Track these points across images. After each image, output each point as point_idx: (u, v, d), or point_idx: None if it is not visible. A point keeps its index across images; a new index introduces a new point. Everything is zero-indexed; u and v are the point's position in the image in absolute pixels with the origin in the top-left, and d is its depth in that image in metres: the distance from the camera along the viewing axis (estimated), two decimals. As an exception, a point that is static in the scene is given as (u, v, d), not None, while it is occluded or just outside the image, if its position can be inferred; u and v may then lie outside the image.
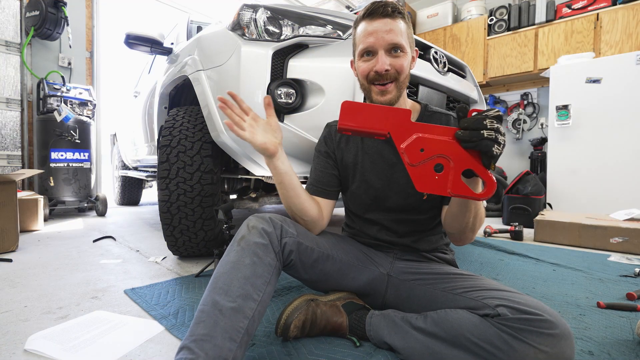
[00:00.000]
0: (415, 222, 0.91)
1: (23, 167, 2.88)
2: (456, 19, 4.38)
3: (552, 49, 3.51)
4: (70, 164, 2.75)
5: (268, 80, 1.20)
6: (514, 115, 3.98)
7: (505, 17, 3.85)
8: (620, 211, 2.19)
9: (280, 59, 1.24)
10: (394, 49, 0.81)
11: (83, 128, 2.82)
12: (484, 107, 1.90)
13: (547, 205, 2.82)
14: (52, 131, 2.67)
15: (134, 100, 2.88)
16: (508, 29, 3.84)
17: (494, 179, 0.60)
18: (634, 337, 0.86)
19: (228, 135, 1.28)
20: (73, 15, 3.13)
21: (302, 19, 1.29)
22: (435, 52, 1.52)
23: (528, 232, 2.32)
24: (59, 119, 2.66)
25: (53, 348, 0.78)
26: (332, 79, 1.21)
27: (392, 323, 0.77)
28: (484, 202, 0.75)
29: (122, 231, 2.27)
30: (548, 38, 3.54)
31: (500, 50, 3.84)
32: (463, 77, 1.76)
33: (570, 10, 3.47)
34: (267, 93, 1.20)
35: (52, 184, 2.69)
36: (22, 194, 2.16)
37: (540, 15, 3.61)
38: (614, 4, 3.26)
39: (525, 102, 3.97)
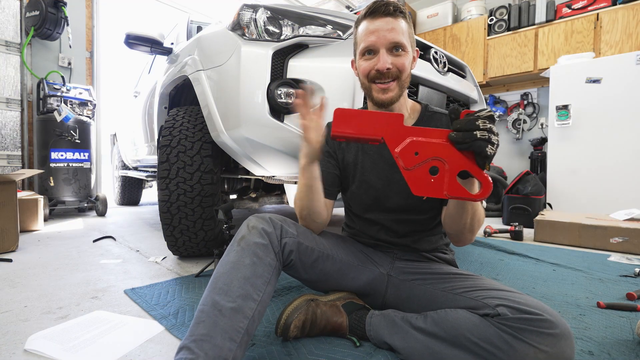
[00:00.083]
0: (416, 222, 0.91)
1: (23, 167, 2.88)
2: (456, 19, 4.39)
3: (552, 49, 3.51)
4: (70, 164, 2.75)
5: (268, 80, 1.20)
6: (514, 115, 3.98)
7: (505, 17, 3.85)
8: (620, 211, 2.19)
9: (280, 59, 1.24)
10: (396, 48, 0.81)
11: (83, 128, 2.82)
12: (484, 107, 1.90)
13: (547, 205, 2.82)
14: (52, 131, 2.67)
15: (134, 100, 2.88)
16: (508, 29, 3.84)
17: (490, 179, 0.60)
18: (634, 337, 0.86)
19: (228, 135, 1.28)
20: (73, 15, 3.13)
21: (302, 19, 1.29)
22: (435, 52, 1.52)
23: (528, 232, 2.32)
24: (59, 119, 2.66)
25: (53, 348, 0.78)
26: (332, 79, 1.21)
27: (392, 323, 0.77)
28: (484, 202, 0.75)
29: (122, 231, 2.27)
30: (548, 38, 3.54)
31: (500, 50, 3.84)
32: (463, 77, 1.76)
33: (570, 10, 3.47)
34: (267, 93, 1.20)
35: (52, 184, 2.69)
36: (22, 194, 2.16)
37: (540, 15, 3.61)
38: (614, 4, 3.26)
39: (525, 102, 3.97)
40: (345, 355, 0.75)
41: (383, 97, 0.83)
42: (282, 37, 1.25)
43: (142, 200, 4.15)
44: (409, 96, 1.32)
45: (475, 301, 0.68)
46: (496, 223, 2.77)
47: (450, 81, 1.55)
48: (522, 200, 2.65)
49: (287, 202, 1.97)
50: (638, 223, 1.93)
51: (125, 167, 3.58)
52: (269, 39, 1.25)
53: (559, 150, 2.92)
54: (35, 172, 2.16)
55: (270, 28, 1.26)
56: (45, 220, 2.46)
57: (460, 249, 1.80)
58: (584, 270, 1.47)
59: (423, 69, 1.40)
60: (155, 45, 1.86)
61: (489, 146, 0.58)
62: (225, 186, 1.91)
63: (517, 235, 2.13)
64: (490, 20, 3.95)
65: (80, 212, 3.13)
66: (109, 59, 3.66)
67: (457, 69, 1.72)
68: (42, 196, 2.32)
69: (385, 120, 0.64)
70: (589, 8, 3.37)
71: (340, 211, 3.16)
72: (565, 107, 2.84)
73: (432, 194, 0.61)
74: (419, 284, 0.83)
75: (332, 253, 0.86)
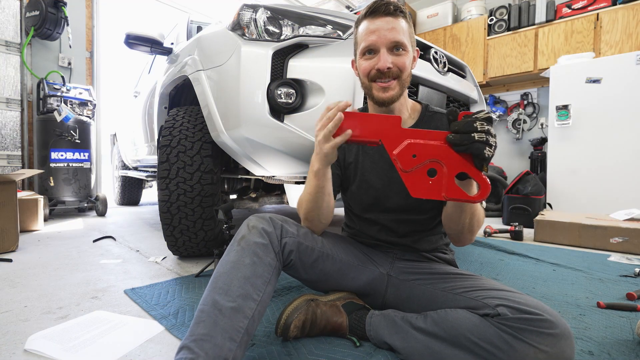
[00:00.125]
0: (416, 222, 0.91)
1: (23, 167, 2.88)
2: (456, 19, 4.38)
3: (552, 49, 3.51)
4: (70, 164, 2.75)
5: (268, 80, 1.20)
6: (514, 115, 3.98)
7: (505, 17, 3.85)
8: (620, 211, 2.19)
9: (280, 59, 1.24)
10: (396, 47, 0.81)
11: (83, 128, 2.82)
12: (484, 107, 1.90)
13: (547, 205, 2.82)
14: (52, 131, 2.67)
15: (134, 100, 2.88)
16: (508, 29, 3.84)
17: (488, 180, 0.60)
18: (634, 337, 0.86)
19: (228, 135, 1.28)
20: (73, 15, 3.13)
21: (302, 19, 1.29)
22: (435, 52, 1.52)
23: (528, 232, 2.31)
24: (59, 119, 2.66)
25: (53, 348, 0.78)
26: (332, 79, 1.21)
27: (392, 323, 0.77)
28: (484, 202, 0.75)
29: (122, 231, 2.27)
30: (548, 38, 3.54)
31: (500, 50, 3.84)
32: (463, 77, 1.76)
33: (570, 10, 3.47)
34: (267, 93, 1.20)
35: (52, 184, 2.69)
36: (22, 194, 2.16)
37: (540, 15, 3.61)
38: (614, 4, 3.26)
39: (525, 102, 3.97)
40: (345, 355, 0.75)
41: (384, 95, 0.82)
42: (282, 37, 1.25)
43: (142, 200, 4.15)
44: (409, 96, 1.32)
45: (475, 301, 0.68)
46: (496, 223, 2.77)
47: (450, 81, 1.55)
48: (522, 200, 2.65)
49: (287, 202, 1.97)
50: (638, 223, 1.93)
51: (125, 167, 3.58)
52: (269, 39, 1.25)
53: (559, 150, 2.92)
54: (35, 172, 2.16)
55: (270, 28, 1.26)
56: (45, 220, 2.46)
57: (460, 249, 1.80)
58: (584, 270, 1.47)
59: (423, 69, 1.39)
60: (155, 45, 1.86)
61: (487, 148, 0.58)
62: (225, 186, 1.91)
63: (517, 235, 2.13)
64: (490, 20, 3.95)
65: (80, 212, 3.13)
66: (109, 59, 3.66)
67: (457, 69, 1.72)
68: (42, 196, 2.32)
69: (383, 122, 0.64)
70: (589, 8, 3.36)
71: (340, 211, 3.16)
72: (565, 107, 2.84)
73: (430, 196, 0.61)
74: (419, 284, 0.83)
75: (332, 253, 0.86)
